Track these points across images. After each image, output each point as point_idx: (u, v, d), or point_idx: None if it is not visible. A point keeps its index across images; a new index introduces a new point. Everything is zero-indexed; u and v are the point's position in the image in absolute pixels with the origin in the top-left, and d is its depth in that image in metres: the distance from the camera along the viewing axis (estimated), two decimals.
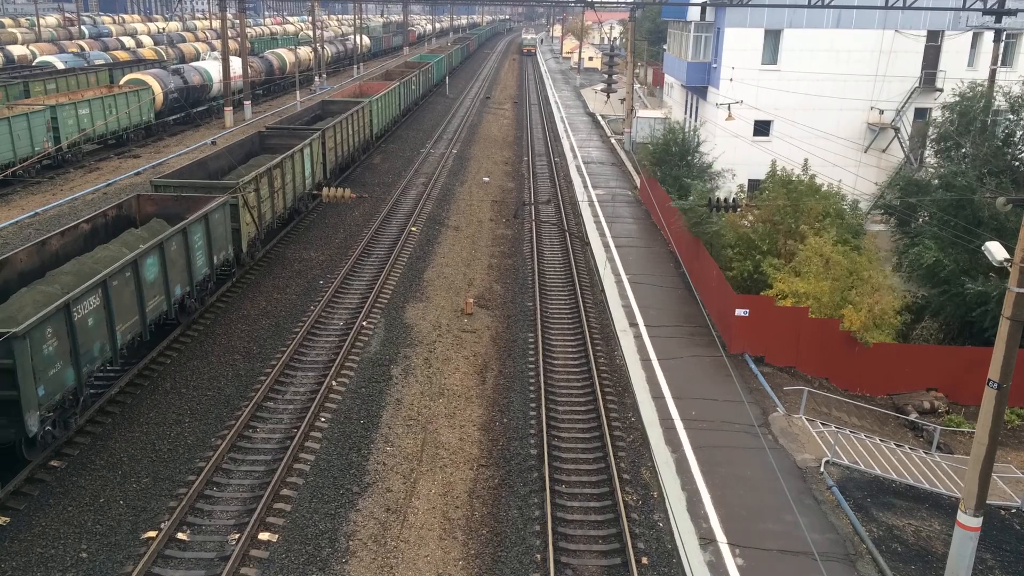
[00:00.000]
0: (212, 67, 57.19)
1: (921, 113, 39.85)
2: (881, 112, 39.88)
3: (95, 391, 18.16)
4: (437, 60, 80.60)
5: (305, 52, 78.04)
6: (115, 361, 17.63)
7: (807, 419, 19.42)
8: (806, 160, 28.29)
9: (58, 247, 19.33)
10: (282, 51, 73.62)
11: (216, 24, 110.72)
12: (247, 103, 56.57)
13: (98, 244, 20.39)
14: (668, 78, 60.43)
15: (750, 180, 36.07)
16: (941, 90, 38.58)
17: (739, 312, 22.31)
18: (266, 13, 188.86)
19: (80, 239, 20.24)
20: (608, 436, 17.91)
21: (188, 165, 27.85)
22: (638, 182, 41.61)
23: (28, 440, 15.04)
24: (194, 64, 58.38)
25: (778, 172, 27.94)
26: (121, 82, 50.86)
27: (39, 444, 15.49)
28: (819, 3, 34.09)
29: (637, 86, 72.78)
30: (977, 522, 13.53)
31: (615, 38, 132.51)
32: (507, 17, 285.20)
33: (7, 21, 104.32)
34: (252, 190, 25.72)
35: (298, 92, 64.75)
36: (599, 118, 67.13)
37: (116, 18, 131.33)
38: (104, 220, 21.49)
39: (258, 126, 49.80)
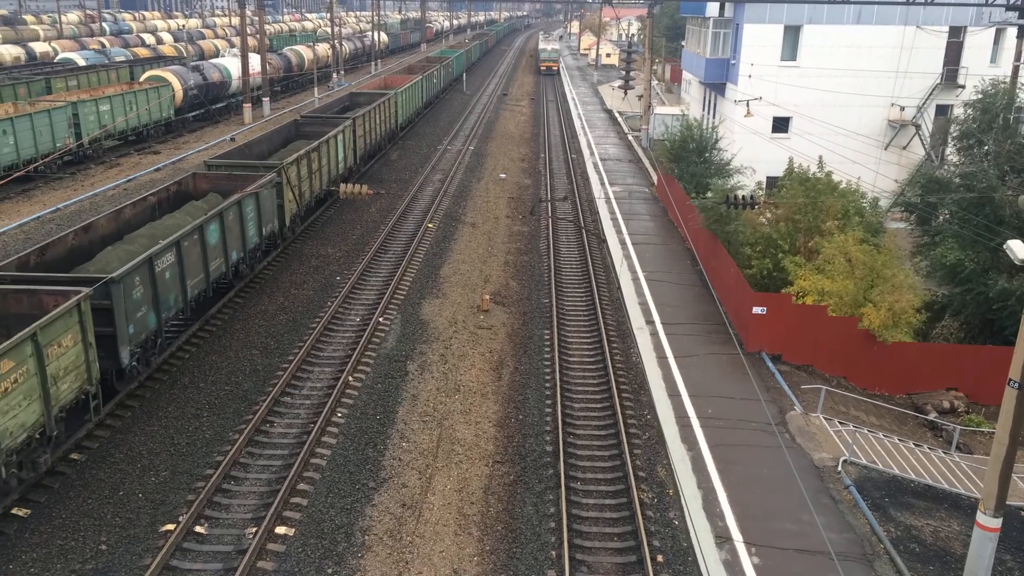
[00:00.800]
0: (231, 64, 57.51)
1: (942, 110, 39.48)
2: (902, 109, 39.52)
3: (169, 335, 20.62)
4: (457, 55, 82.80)
5: (323, 49, 78.31)
6: (186, 311, 20.55)
7: (825, 418, 19.30)
8: (820, 157, 28.08)
9: (131, 215, 22.32)
10: (300, 48, 73.90)
11: (235, 21, 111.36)
12: (266, 100, 56.84)
13: (163, 214, 23.35)
14: (686, 74, 60.17)
15: (768, 177, 35.91)
16: (963, 87, 38.19)
17: (756, 310, 22.20)
18: (284, 10, 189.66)
19: (148, 209, 23.24)
20: (624, 433, 17.88)
21: (233, 149, 30.77)
22: (655, 179, 41.46)
23: (119, 372, 17.56)
24: (213, 61, 58.73)
25: (795, 169, 27.77)
26: (141, 79, 51.26)
27: (127, 376, 18.06)
28: None
29: (655, 83, 72.49)
30: (997, 523, 13.41)
31: (633, 34, 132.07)
32: (525, 14, 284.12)
33: (29, 18, 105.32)
34: (294, 171, 28.49)
35: (316, 89, 64.99)
36: (616, 115, 66.94)
37: (137, 15, 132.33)
38: (167, 194, 24.38)
39: (276, 123, 50.07)
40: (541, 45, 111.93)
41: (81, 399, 15.94)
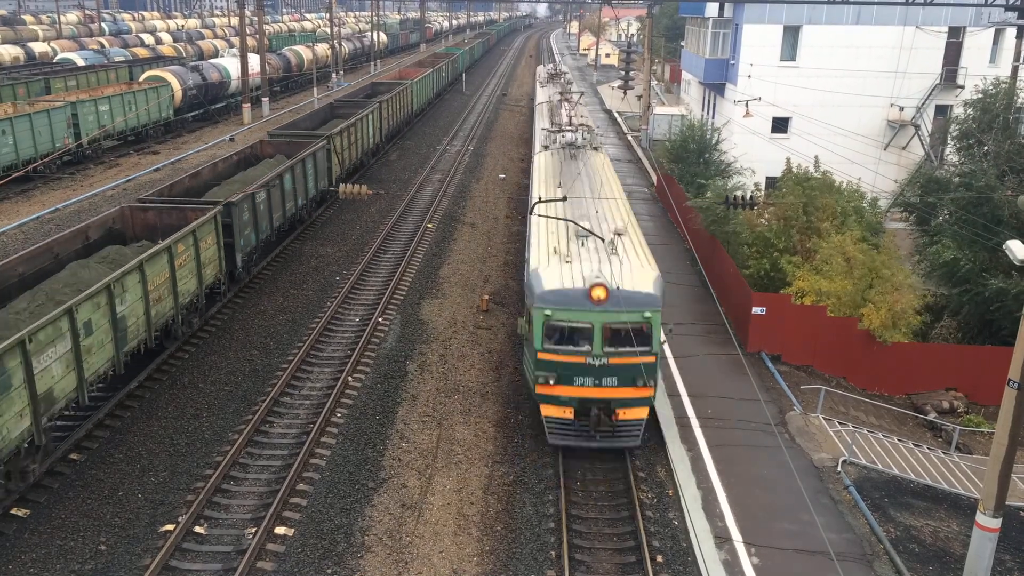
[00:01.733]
0: (230, 64, 57.51)
1: (942, 110, 39.50)
2: (901, 109, 39.54)
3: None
4: (462, 52, 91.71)
5: (323, 49, 78.31)
6: (273, 236, 27.18)
7: (824, 418, 19.30)
8: (816, 157, 28.09)
9: (222, 168, 29.06)
10: (300, 48, 73.91)
11: (235, 21, 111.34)
12: (265, 100, 56.83)
13: (245, 169, 30.07)
14: (685, 75, 60.19)
15: (768, 178, 35.91)
16: (962, 87, 38.21)
17: (756, 310, 22.20)
18: (284, 10, 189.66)
19: (232, 165, 30.02)
20: None
21: (285, 124, 38.41)
22: (655, 179, 41.46)
23: (233, 273, 23.85)
24: (213, 61, 58.74)
25: (794, 169, 27.78)
26: (140, 79, 51.26)
27: (239, 278, 24.40)
28: None
29: (654, 83, 72.50)
30: (996, 523, 13.41)
31: (632, 35, 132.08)
32: (525, 13, 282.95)
33: (28, 18, 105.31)
34: (339, 140, 34.82)
35: (315, 89, 64.98)
36: (616, 115, 66.94)
37: (136, 15, 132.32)
38: (243, 156, 31.16)
39: (276, 123, 50.10)
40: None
41: (215, 284, 22.48)
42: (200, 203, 23.68)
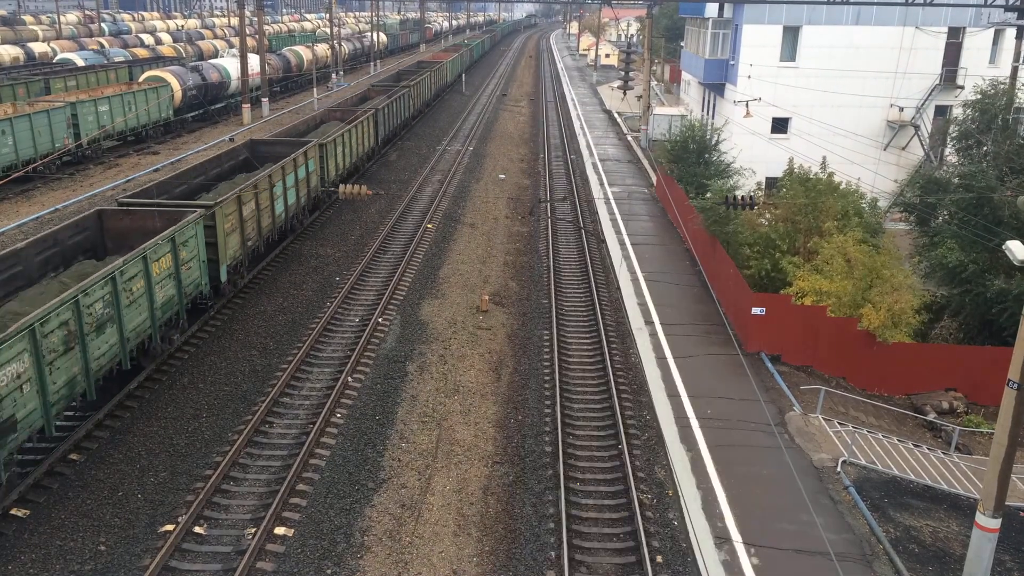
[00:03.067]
0: (230, 64, 57.50)
1: (941, 110, 39.51)
2: (901, 109, 39.54)
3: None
4: (476, 43, 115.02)
5: (322, 49, 78.30)
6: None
7: (824, 418, 19.30)
8: (824, 158, 28.11)
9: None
10: (299, 48, 73.91)
11: (234, 21, 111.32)
12: (265, 100, 56.83)
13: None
14: (685, 75, 60.19)
15: (768, 178, 35.91)
16: (962, 87, 38.21)
17: (756, 311, 22.20)
18: (284, 10, 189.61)
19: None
20: (623, 434, 17.88)
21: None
22: (655, 180, 41.47)
23: (219, 287, 23.15)
24: (212, 61, 58.72)
25: (795, 170, 27.78)
26: (140, 79, 51.25)
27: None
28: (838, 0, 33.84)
29: (654, 83, 72.51)
30: (996, 523, 13.41)
31: (632, 35, 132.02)
32: (532, 14, 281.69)
33: (28, 19, 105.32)
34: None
35: (315, 89, 64.99)
36: (615, 115, 66.95)
37: (135, 15, 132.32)
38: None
39: (275, 123, 50.09)
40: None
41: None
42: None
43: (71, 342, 15.41)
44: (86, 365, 15.95)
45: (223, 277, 22.14)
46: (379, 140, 43.72)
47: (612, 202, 38.45)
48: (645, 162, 47.94)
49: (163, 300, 19.07)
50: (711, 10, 44.87)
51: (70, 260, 19.72)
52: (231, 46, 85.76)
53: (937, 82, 39.07)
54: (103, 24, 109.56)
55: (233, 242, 23.19)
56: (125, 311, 17.32)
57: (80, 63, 63.35)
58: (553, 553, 14.39)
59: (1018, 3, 32.30)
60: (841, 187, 26.54)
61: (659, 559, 14.30)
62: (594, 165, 47.01)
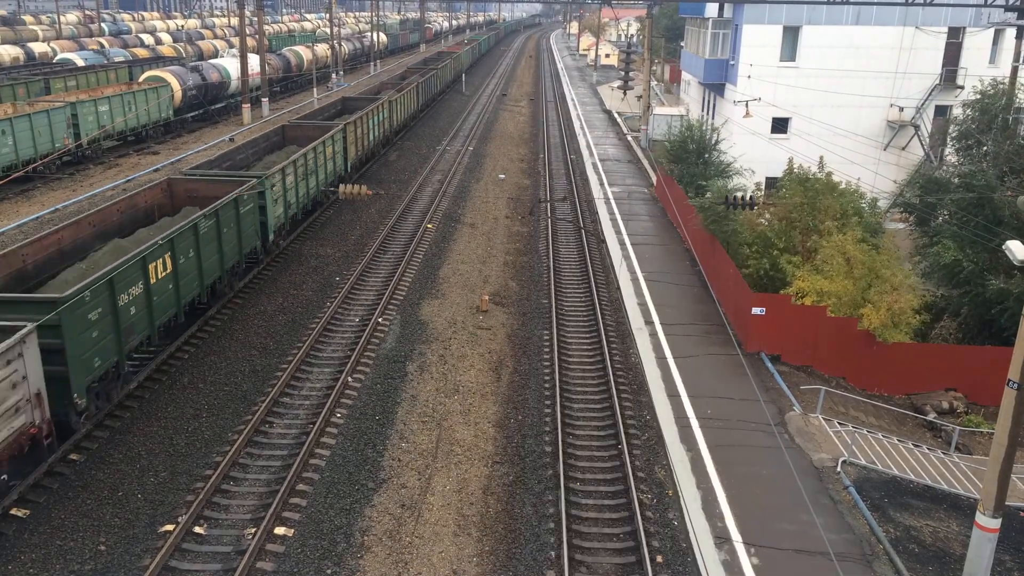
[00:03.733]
0: (230, 64, 57.51)
1: (941, 110, 39.50)
2: (901, 109, 39.54)
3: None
4: (482, 39, 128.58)
5: (322, 49, 78.30)
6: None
7: (824, 418, 19.30)
8: (821, 157, 28.11)
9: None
10: (299, 48, 73.90)
11: (234, 21, 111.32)
12: (265, 100, 56.83)
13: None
14: (685, 75, 60.18)
15: (767, 178, 35.90)
16: (962, 87, 38.20)
17: (756, 311, 22.20)
18: (284, 10, 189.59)
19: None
20: (623, 434, 17.88)
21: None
22: (654, 180, 41.47)
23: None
24: (212, 61, 58.72)
25: (795, 170, 27.78)
26: (140, 79, 51.25)
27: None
28: (838, 0, 33.84)
29: (654, 83, 72.51)
30: (996, 523, 13.41)
31: (632, 35, 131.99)
32: (533, 14, 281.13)
33: (28, 19, 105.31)
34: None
35: (315, 89, 65.00)
36: (615, 115, 66.95)
37: (135, 15, 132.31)
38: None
39: (275, 123, 50.06)
40: None
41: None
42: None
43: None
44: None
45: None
46: (420, 105, 58.89)
47: (612, 202, 38.45)
48: (645, 162, 47.94)
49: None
50: (711, 10, 44.86)
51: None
52: (231, 46, 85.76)
53: (937, 82, 39.07)
54: (103, 24, 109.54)
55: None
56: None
57: (80, 63, 63.35)
58: (553, 553, 14.39)
59: (1018, 3, 32.29)
60: (840, 187, 26.54)
61: (659, 559, 14.30)
62: (594, 165, 47.01)
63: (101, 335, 16.42)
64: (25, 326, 13.90)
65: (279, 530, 14.44)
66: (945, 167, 30.54)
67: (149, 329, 18.59)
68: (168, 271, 19.36)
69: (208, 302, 22.49)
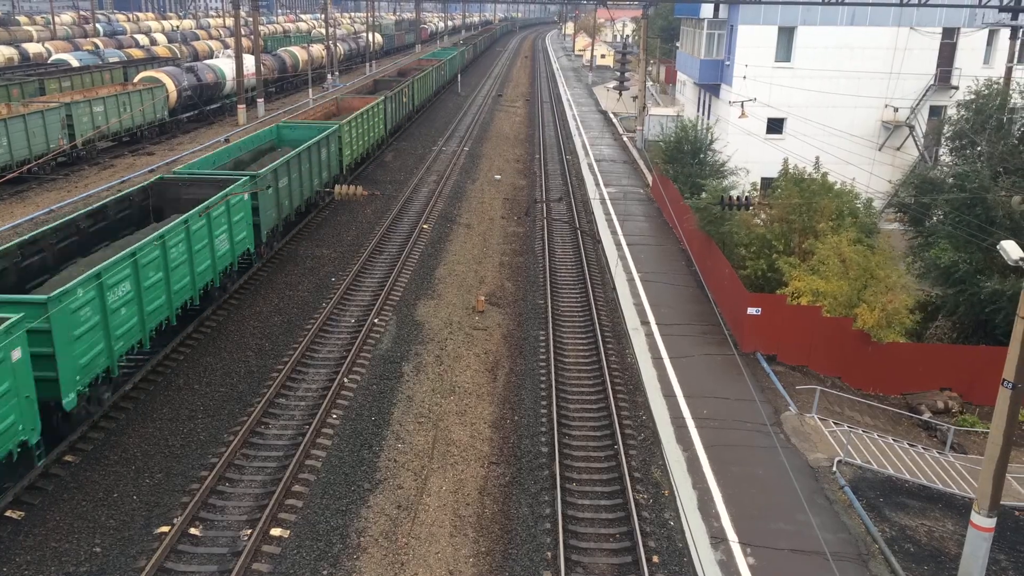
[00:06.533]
0: (225, 65, 57.41)
1: (936, 111, 39.59)
2: (896, 110, 39.63)
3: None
4: (481, 37, 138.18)
5: (318, 50, 78.22)
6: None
7: (819, 418, 19.34)
8: (817, 158, 28.16)
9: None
10: (295, 49, 73.80)
11: (229, 22, 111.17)
12: (260, 101, 56.74)
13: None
14: (681, 76, 60.26)
15: (763, 178, 35.92)
16: (956, 88, 38.30)
17: (751, 311, 22.24)
18: (279, 11, 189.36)
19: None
20: (619, 434, 17.89)
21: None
22: (650, 180, 41.51)
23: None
24: (207, 62, 58.63)
25: (790, 170, 27.82)
26: (135, 80, 51.13)
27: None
28: (833, 0, 33.89)
29: (649, 84, 72.58)
30: (991, 523, 13.45)
31: (627, 35, 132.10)
32: (537, 17, 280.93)
33: (23, 19, 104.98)
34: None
35: (311, 90, 64.93)
36: (611, 116, 66.99)
37: (130, 16, 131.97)
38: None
39: (270, 123, 50.00)
40: None
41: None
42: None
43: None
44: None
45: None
46: (435, 89, 66.09)
47: (608, 202, 38.47)
48: (641, 162, 47.98)
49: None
50: (706, 11, 44.90)
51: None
52: (226, 47, 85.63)
53: (932, 82, 39.16)
54: (98, 25, 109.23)
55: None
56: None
57: (75, 64, 63.15)
58: (549, 553, 14.40)
59: (1012, 4, 32.37)
60: (835, 187, 26.60)
61: (655, 559, 14.31)
62: (590, 165, 47.04)
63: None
64: None
65: (275, 531, 14.42)
66: (940, 167, 30.59)
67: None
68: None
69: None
